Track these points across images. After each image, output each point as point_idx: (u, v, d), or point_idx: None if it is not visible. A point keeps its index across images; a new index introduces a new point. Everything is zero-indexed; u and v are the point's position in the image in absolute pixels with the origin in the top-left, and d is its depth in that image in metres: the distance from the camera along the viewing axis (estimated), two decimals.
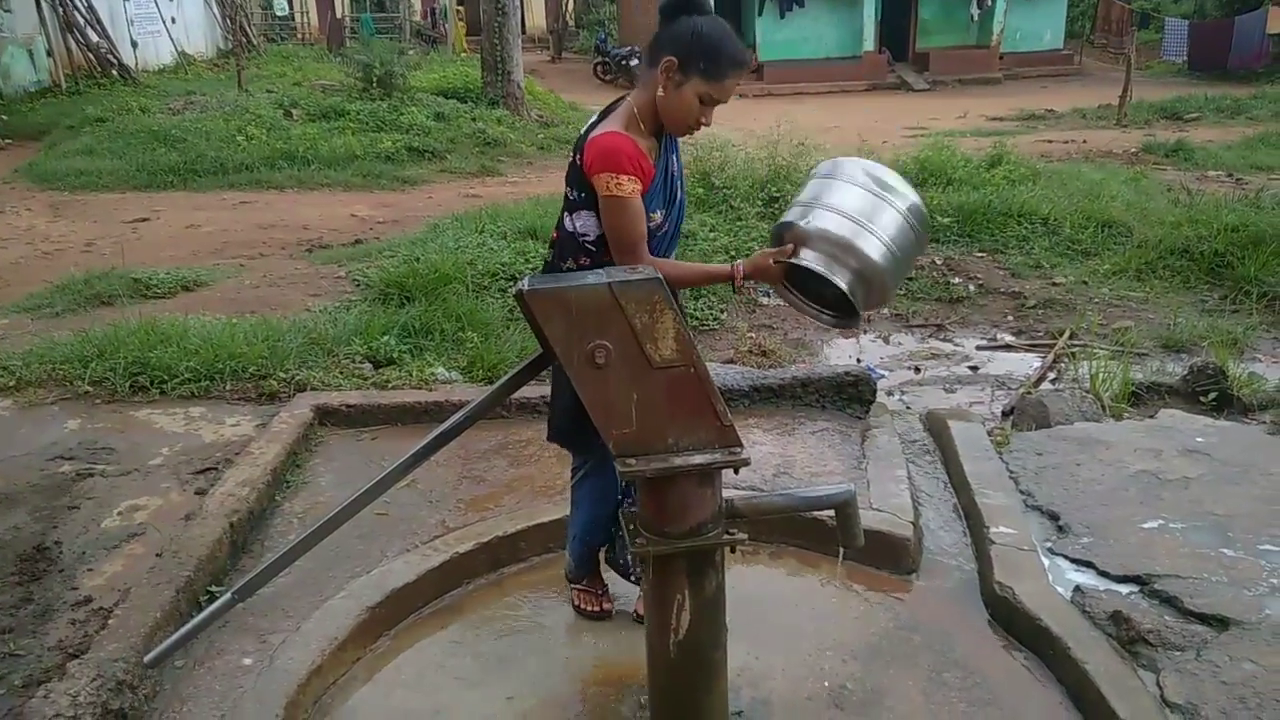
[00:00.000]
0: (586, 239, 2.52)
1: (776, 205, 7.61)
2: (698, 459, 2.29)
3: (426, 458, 2.36)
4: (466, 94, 14.56)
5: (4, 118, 13.70)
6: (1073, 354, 5.70)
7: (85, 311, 5.74)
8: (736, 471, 2.37)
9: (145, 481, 3.73)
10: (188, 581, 2.93)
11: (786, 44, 22.81)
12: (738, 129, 10.98)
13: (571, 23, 34.10)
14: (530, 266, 6.12)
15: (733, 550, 2.43)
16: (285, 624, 2.93)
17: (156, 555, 3.16)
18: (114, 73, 16.74)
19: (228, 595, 2.33)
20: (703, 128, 2.47)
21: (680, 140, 2.62)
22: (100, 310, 5.74)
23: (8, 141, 12.79)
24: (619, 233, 2.43)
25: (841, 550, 2.58)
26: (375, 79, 13.26)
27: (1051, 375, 5.58)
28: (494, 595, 3.24)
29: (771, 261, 2.46)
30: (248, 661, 2.77)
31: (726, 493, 2.43)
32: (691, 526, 2.34)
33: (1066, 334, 6.00)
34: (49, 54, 16.09)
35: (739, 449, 2.31)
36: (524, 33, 21.42)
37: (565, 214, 2.56)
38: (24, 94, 15.23)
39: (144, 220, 8.65)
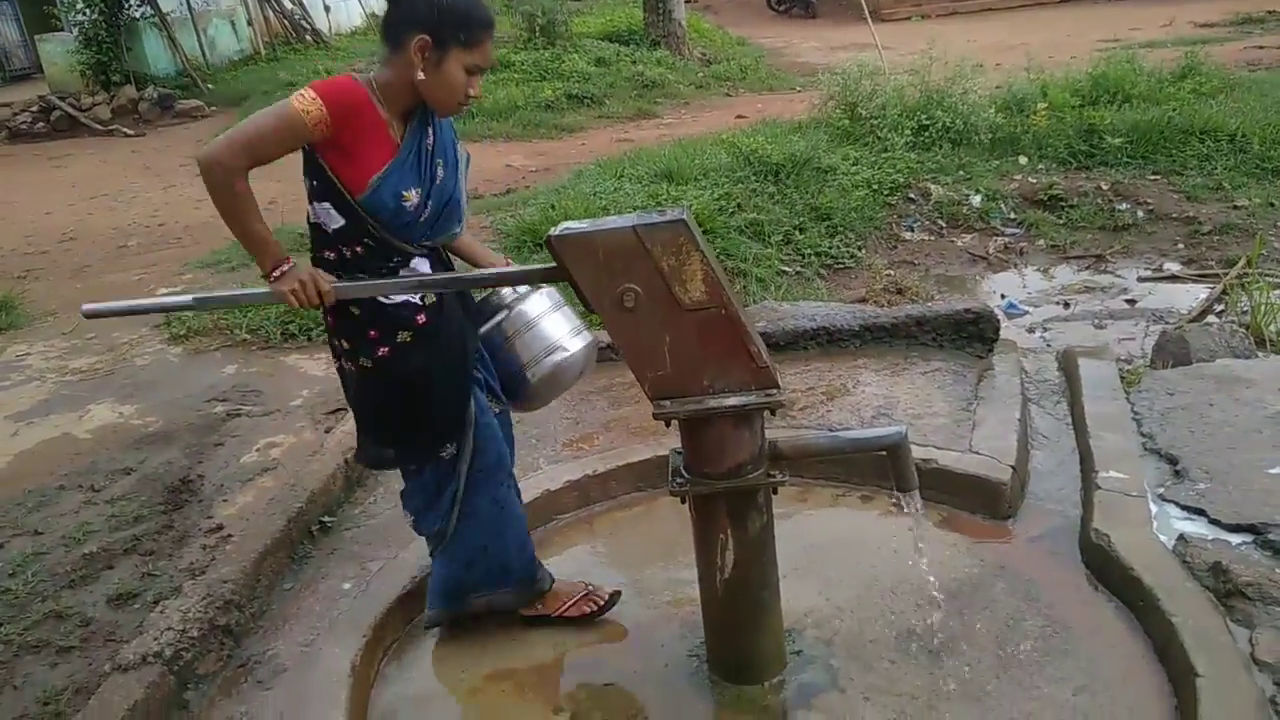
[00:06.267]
0: (327, 230, 2.33)
1: (926, 134, 7.28)
2: (732, 400, 2.29)
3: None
4: (630, 36, 14.58)
5: (210, 86, 14.90)
6: (1245, 284, 5.21)
7: (256, 265, 6.24)
8: (773, 413, 2.37)
9: (284, 421, 4.08)
10: (299, 512, 3.21)
11: None
12: (911, 52, 10.53)
13: None
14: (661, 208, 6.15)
15: (775, 491, 2.43)
16: (385, 552, 3.16)
17: (290, 486, 3.47)
18: (308, 38, 17.81)
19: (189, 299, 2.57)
20: (472, 99, 2.31)
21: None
22: None
23: (213, 109, 13.91)
24: (249, 121, 2.20)
25: (916, 492, 2.52)
26: (538, 28, 13.49)
27: (1219, 308, 5.14)
28: (582, 531, 3.36)
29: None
30: (347, 586, 3.01)
31: (774, 433, 2.44)
32: (730, 467, 2.35)
33: (1242, 262, 5.48)
34: (249, 24, 17.30)
35: (775, 390, 2.30)
36: None
37: (309, 203, 2.36)
38: (228, 63, 16.48)
39: None
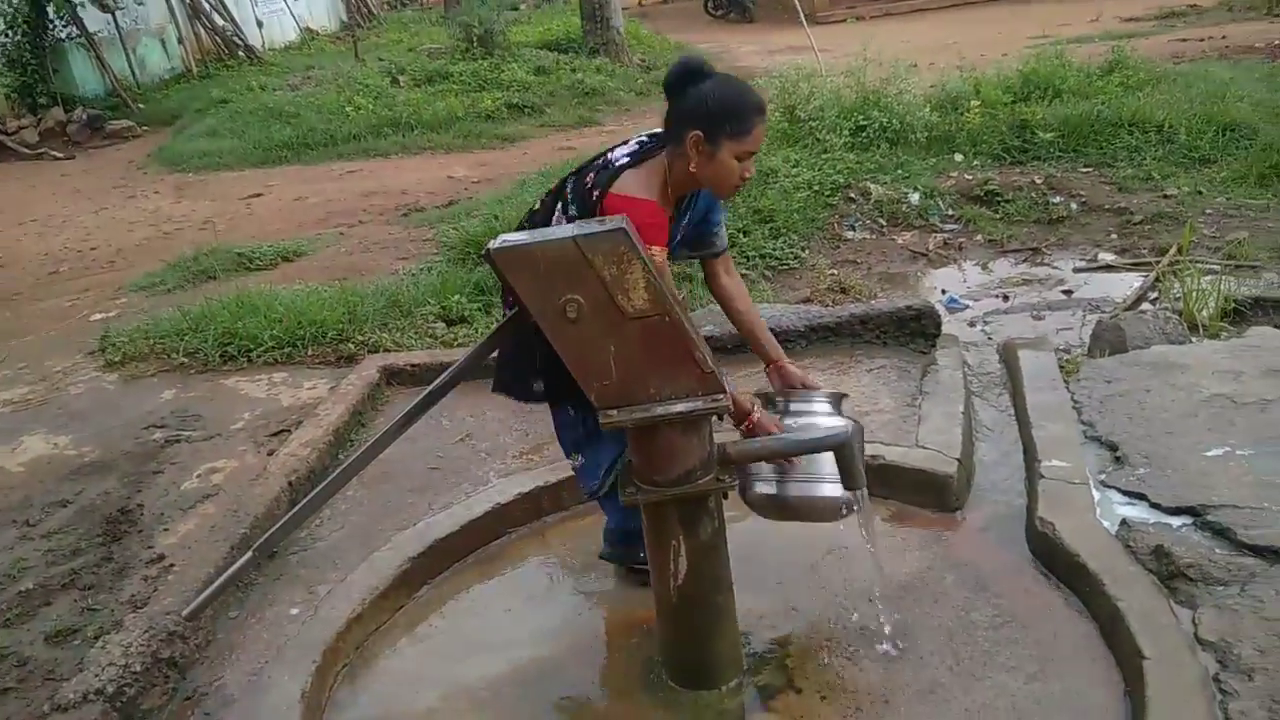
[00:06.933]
0: None
1: (864, 134, 7.35)
2: (679, 407, 2.29)
3: (415, 419, 2.44)
4: (569, 44, 14.57)
5: (140, 106, 14.59)
6: (1177, 272, 5.33)
7: (193, 287, 6.13)
8: (721, 419, 2.37)
9: (225, 445, 3.99)
10: (243, 538, 3.14)
11: None
12: (847, 54, 10.65)
13: None
14: None
15: (725, 496, 2.44)
16: (333, 575, 3.11)
17: (233, 512, 3.40)
18: (240, 54, 17.50)
19: (249, 554, 2.50)
20: (746, 181, 2.46)
21: None
22: (207, 285, 6.12)
23: (144, 129, 13.62)
24: None
25: (864, 489, 2.54)
26: (475, 38, 13.42)
27: (1153, 295, 5.25)
28: (535, 544, 3.33)
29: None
30: (295, 611, 2.96)
31: (722, 437, 2.44)
32: (680, 474, 2.35)
33: (1173, 250, 5.60)
34: (180, 41, 16.98)
35: (721, 395, 2.30)
36: None
37: (559, 211, 2.53)
38: (159, 82, 16.16)
39: (257, 196, 9.10)
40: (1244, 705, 2.17)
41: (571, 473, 3.45)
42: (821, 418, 2.61)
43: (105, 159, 12.41)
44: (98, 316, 5.88)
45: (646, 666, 2.67)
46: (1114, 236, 6.13)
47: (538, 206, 2.63)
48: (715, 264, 2.76)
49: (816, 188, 6.65)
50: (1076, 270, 5.78)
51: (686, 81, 2.36)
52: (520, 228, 2.61)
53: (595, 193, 2.42)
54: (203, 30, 17.43)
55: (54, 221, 9.02)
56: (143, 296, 6.12)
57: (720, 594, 2.50)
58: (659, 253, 2.35)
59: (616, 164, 2.44)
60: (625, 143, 2.52)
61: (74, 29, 14.70)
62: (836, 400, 2.66)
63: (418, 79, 12.89)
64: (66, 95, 14.37)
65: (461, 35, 13.77)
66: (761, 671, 2.62)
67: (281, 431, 4.03)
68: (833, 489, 2.49)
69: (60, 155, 12.78)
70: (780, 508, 2.64)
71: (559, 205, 2.56)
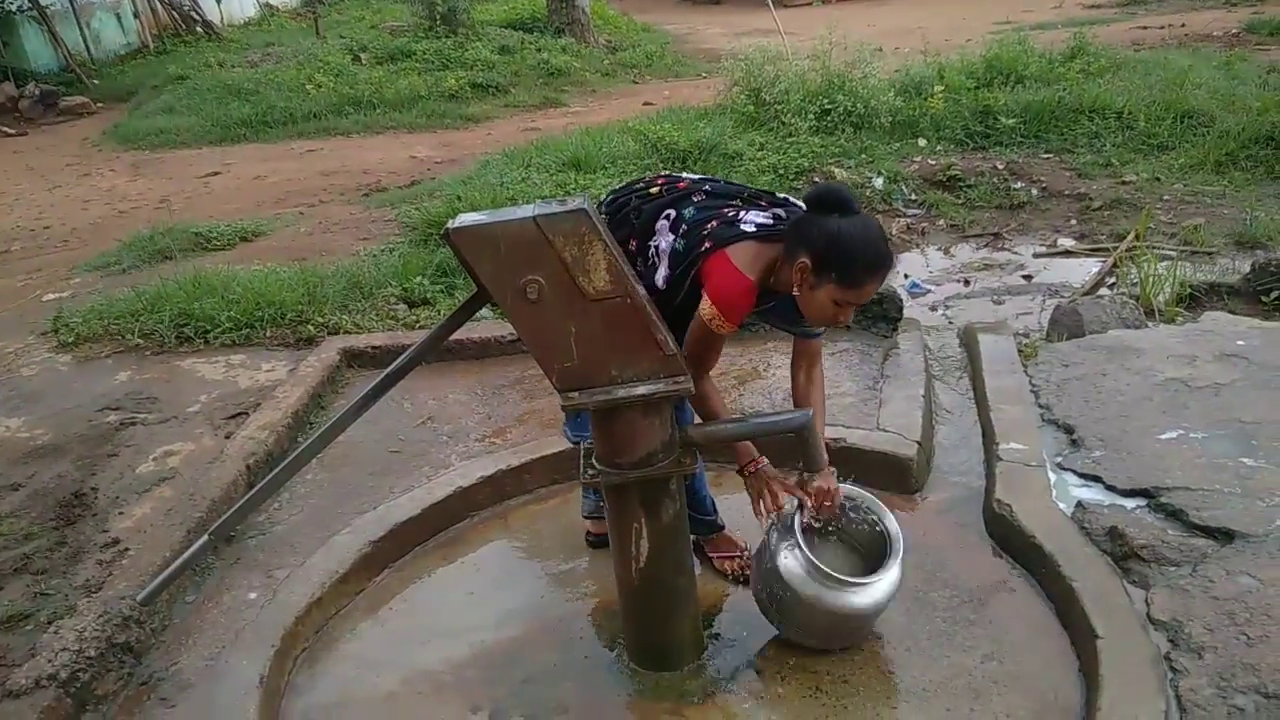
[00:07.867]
0: (659, 291, 2.44)
1: (829, 118, 7.37)
2: (640, 389, 2.28)
3: (374, 401, 2.41)
4: (533, 24, 14.45)
5: (95, 82, 14.28)
6: (1134, 257, 5.40)
7: (149, 267, 6.02)
8: (682, 402, 2.37)
9: (182, 428, 3.93)
10: (199, 522, 3.10)
11: None
12: (813, 37, 10.65)
13: None
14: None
15: (686, 479, 2.44)
16: (292, 559, 3.07)
17: (189, 496, 3.35)
18: (198, 30, 17.17)
19: (205, 538, 2.46)
20: (841, 322, 2.37)
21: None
22: (163, 265, 6.00)
23: (99, 105, 13.34)
24: (697, 351, 2.42)
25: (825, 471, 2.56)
26: (439, 16, 13.26)
27: (1110, 280, 5.32)
28: (497, 527, 3.32)
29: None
30: (253, 596, 2.92)
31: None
32: (641, 457, 2.34)
33: (1131, 236, 5.68)
34: (136, 16, 16.62)
35: (683, 377, 2.30)
36: None
37: (666, 221, 2.45)
38: (115, 57, 15.81)
39: (215, 174, 8.95)
40: (1194, 683, 2.22)
41: (531, 457, 3.50)
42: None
43: (59, 136, 12.15)
44: (51, 296, 5.76)
45: (610, 649, 2.68)
46: (1073, 222, 6.21)
47: (655, 191, 2.53)
48: (803, 349, 2.67)
49: (781, 171, 6.66)
50: (1036, 255, 5.85)
51: (826, 206, 2.24)
52: (617, 201, 2.58)
53: (708, 244, 2.34)
54: (159, 5, 17.06)
55: (6, 199, 8.82)
56: (97, 276, 6.00)
57: (682, 576, 2.51)
58: (727, 327, 2.34)
59: (742, 227, 2.34)
60: (764, 208, 2.40)
61: (25, 1, 14.33)
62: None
63: (380, 57, 12.73)
64: (18, 70, 14.04)
65: (424, 13, 13.59)
66: (723, 653, 2.63)
67: (239, 414, 3.97)
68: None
69: (12, 131, 12.47)
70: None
71: (667, 215, 2.46)
